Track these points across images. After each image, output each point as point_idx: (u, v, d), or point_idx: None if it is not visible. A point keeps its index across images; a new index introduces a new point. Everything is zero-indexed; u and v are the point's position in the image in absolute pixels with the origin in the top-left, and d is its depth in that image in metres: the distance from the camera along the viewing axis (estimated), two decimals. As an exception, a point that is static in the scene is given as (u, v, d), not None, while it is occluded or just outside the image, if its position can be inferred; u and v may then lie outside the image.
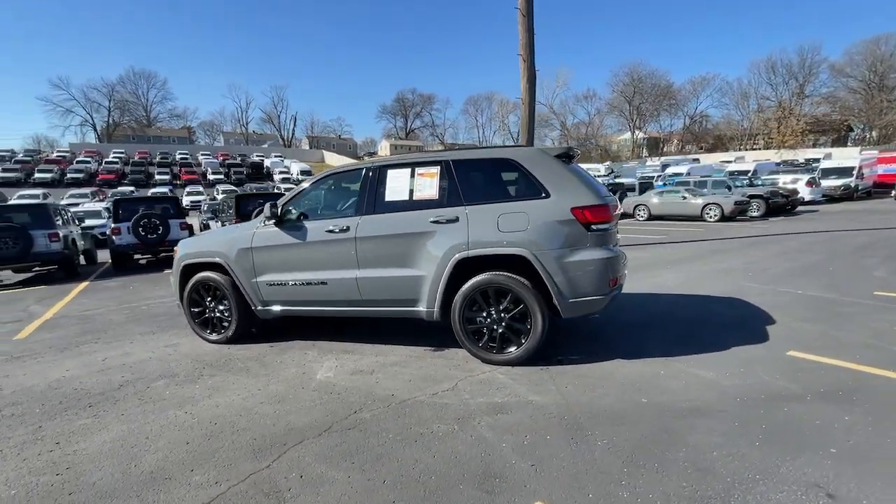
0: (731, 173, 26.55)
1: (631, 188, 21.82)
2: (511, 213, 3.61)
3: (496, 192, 3.78)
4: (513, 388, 3.28)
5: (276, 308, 4.43)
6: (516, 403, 3.06)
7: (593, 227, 3.50)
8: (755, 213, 17.71)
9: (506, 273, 3.60)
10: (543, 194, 3.59)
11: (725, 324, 4.55)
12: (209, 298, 4.67)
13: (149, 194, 29.25)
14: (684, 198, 17.56)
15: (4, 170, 39.48)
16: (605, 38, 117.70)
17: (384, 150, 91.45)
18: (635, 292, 5.99)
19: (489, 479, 2.28)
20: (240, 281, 4.44)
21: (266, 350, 4.41)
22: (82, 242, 11.76)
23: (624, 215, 19.52)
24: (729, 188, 19.48)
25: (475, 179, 3.83)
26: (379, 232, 3.94)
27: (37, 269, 10.94)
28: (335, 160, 68.82)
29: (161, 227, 10.65)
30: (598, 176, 40.08)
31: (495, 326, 3.70)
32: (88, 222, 14.15)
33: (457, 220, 3.71)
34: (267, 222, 4.33)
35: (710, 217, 16.49)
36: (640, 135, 68.27)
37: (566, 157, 3.83)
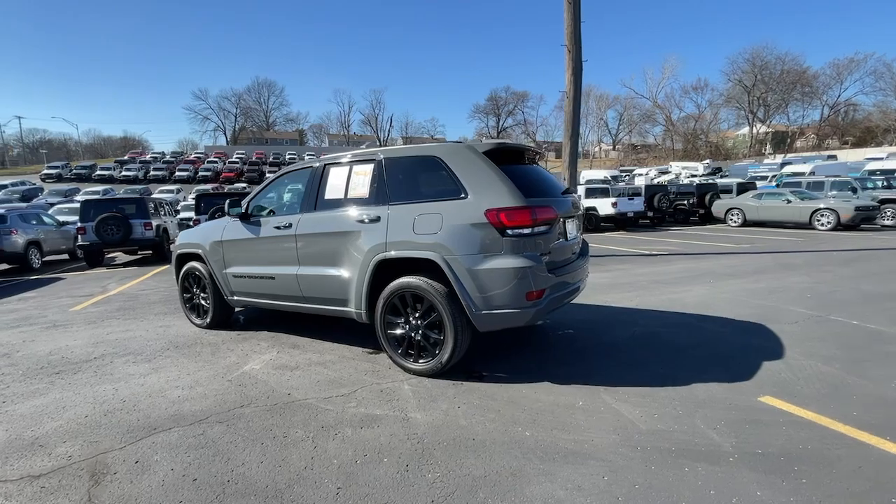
0: (871, 173, 22.01)
1: (727, 189, 19.18)
2: (427, 214, 3.38)
3: (418, 192, 3.55)
4: (405, 402, 3.07)
5: (238, 299, 4.70)
6: (392, 418, 2.85)
7: (509, 231, 3.12)
8: (888, 222, 14.49)
9: (423, 278, 3.38)
10: (462, 195, 3.30)
11: (714, 354, 3.77)
12: (195, 286, 5.10)
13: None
14: (788, 201, 14.98)
15: (155, 168, 47.47)
16: (719, 22, 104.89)
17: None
18: (641, 308, 5.26)
19: (286, 492, 2.15)
20: (213, 271, 4.79)
21: (231, 337, 4.69)
22: (174, 231, 13.66)
23: (715, 219, 17.32)
24: (854, 190, 16.19)
25: (402, 178, 3.65)
26: (314, 230, 3.96)
27: (139, 251, 13.04)
28: (425, 159, 70.96)
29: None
30: (694, 175, 35.82)
31: (413, 334, 3.50)
32: (184, 214, 16.33)
33: (378, 219, 3.58)
34: (234, 217, 4.59)
35: (822, 225, 13.86)
36: (762, 129, 59.70)
37: (501, 153, 3.46)
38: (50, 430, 2.84)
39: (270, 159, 57.77)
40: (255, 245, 4.41)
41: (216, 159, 55.30)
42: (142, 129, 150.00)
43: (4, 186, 33.64)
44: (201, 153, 62.68)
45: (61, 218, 14.28)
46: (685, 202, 18.65)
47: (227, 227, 4.68)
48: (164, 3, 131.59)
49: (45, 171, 45.72)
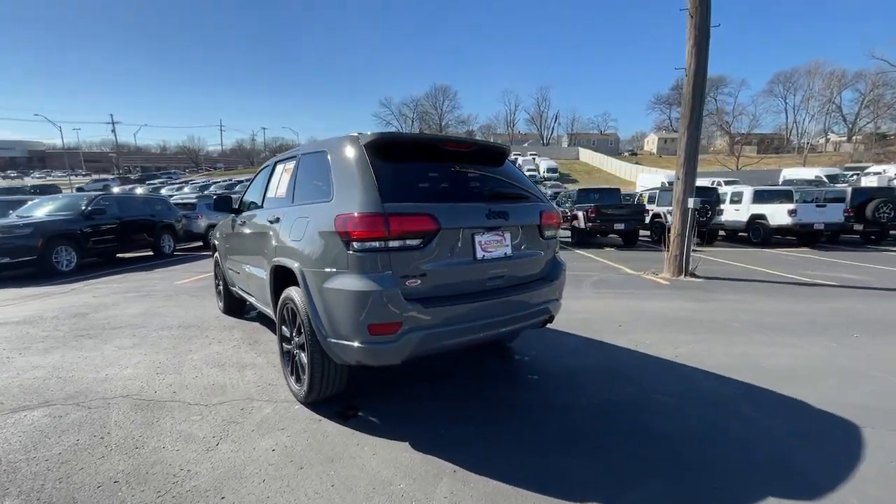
0: None
1: None
2: (300, 218, 2.96)
3: (312, 192, 3.11)
4: (244, 429, 2.74)
5: (234, 289, 4.98)
6: (201, 444, 2.56)
7: (354, 244, 2.46)
8: None
9: (299, 290, 2.96)
10: (330, 197, 2.76)
11: (732, 476, 2.35)
12: (217, 274, 5.64)
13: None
14: None
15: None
16: None
17: (651, 144, 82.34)
18: (680, 363, 3.77)
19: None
20: (220, 261, 5.20)
21: (229, 323, 5.04)
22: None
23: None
24: None
25: (303, 177, 3.27)
26: (253, 228, 3.90)
27: None
28: (589, 157, 66.73)
29: None
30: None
31: (295, 352, 3.11)
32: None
33: (278, 221, 3.29)
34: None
35: None
36: None
37: (390, 147, 2.77)
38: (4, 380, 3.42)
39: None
40: (232, 239, 4.60)
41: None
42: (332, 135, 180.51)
43: (215, 183, 42.55)
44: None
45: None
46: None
47: (226, 221, 5.00)
48: (383, 30, 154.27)
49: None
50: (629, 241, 13.15)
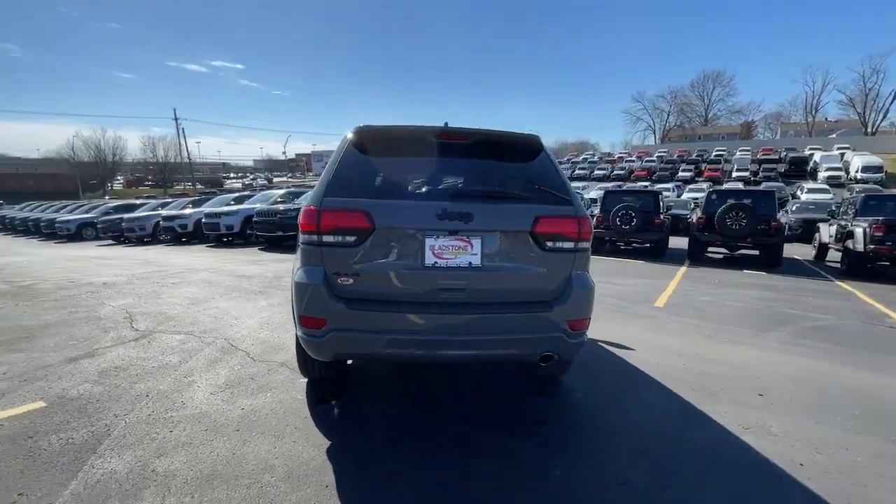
0: None
1: None
2: None
3: None
4: (236, 388, 3.25)
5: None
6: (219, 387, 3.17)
7: (302, 236, 2.53)
8: None
9: None
10: (317, 189, 2.90)
11: None
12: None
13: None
14: None
15: (579, 168, 54.37)
16: None
17: None
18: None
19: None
20: None
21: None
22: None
23: None
24: None
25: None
26: None
27: None
28: (954, 150, 44.72)
29: None
30: None
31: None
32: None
33: None
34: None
35: None
36: None
37: (373, 139, 2.69)
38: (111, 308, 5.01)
39: (694, 156, 53.54)
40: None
41: (634, 158, 56.95)
42: (585, 134, 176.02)
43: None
44: (625, 153, 66.08)
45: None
46: None
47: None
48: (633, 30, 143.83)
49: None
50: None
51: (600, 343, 4.30)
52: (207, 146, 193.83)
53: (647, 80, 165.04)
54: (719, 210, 10.26)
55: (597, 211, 12.61)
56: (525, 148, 2.79)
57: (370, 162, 2.67)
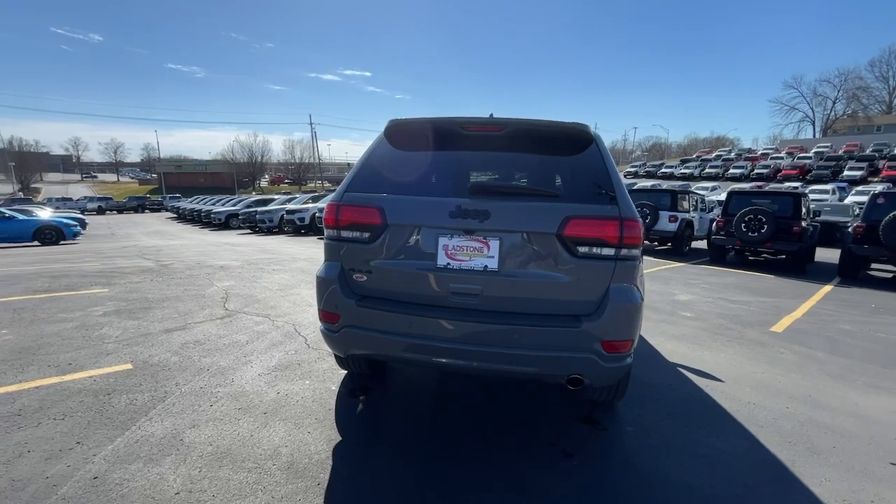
0: None
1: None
2: None
3: None
4: (285, 372, 3.41)
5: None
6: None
7: (326, 231, 2.55)
8: None
9: None
10: (353, 184, 2.91)
11: None
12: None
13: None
14: None
15: (710, 166, 48.07)
16: None
17: None
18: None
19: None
20: None
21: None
22: (699, 226, 12.57)
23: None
24: None
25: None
26: None
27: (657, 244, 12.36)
28: None
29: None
30: None
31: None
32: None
33: None
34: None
35: None
36: None
37: (402, 133, 2.62)
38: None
39: (867, 151, 43.86)
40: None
41: (781, 154, 48.57)
42: (728, 128, 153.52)
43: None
44: (771, 149, 56.60)
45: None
46: None
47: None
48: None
49: (627, 170, 57.28)
50: None
51: (680, 368, 3.66)
52: (337, 148, 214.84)
53: (801, 64, 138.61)
54: (887, 217, 8.13)
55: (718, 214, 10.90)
56: (571, 140, 2.45)
57: (397, 156, 2.59)
